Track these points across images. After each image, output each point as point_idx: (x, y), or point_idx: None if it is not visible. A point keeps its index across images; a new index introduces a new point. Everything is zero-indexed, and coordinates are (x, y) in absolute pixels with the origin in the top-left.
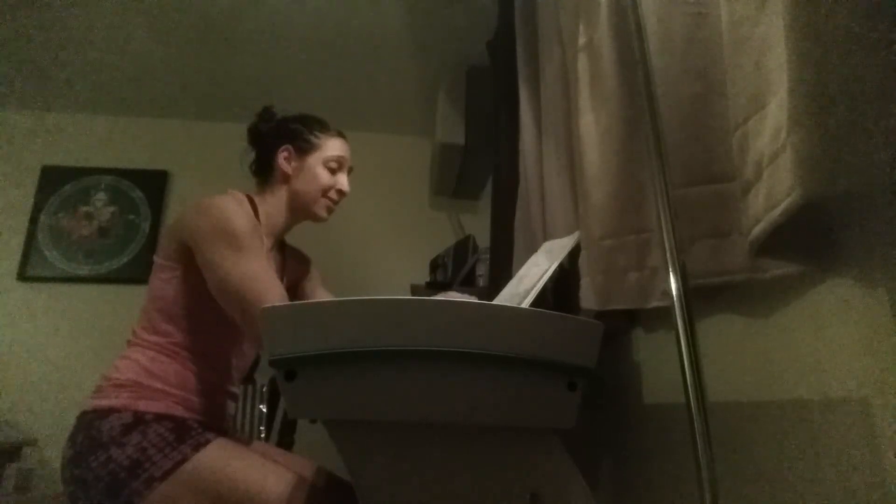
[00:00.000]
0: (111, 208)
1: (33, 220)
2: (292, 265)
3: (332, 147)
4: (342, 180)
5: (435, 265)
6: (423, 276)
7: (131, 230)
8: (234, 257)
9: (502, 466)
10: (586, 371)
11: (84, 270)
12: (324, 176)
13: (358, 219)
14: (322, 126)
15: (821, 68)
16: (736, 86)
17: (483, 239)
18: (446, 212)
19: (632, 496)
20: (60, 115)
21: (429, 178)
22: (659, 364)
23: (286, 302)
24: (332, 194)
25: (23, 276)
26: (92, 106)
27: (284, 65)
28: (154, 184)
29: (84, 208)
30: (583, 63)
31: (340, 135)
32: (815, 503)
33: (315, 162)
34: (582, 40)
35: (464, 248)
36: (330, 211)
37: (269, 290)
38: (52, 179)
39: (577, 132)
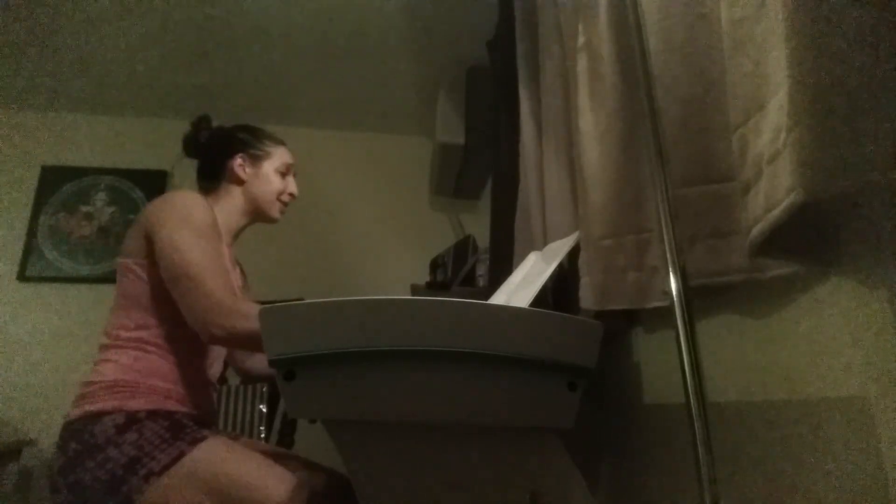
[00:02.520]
0: (111, 208)
1: (33, 220)
2: (240, 269)
3: (282, 155)
4: (292, 184)
5: (435, 265)
6: (423, 276)
7: None
8: (196, 242)
9: (502, 466)
10: (586, 371)
11: (84, 270)
12: (277, 181)
13: (358, 219)
14: (270, 136)
15: (821, 68)
16: (736, 86)
17: (483, 239)
18: (446, 212)
19: (632, 496)
20: (60, 115)
21: (429, 178)
22: (659, 364)
23: (236, 291)
24: (285, 197)
25: (23, 276)
26: (92, 106)
27: (284, 65)
28: (154, 184)
29: (84, 208)
30: (582, 63)
31: (284, 143)
32: (815, 503)
33: (269, 168)
34: (581, 40)
35: (464, 248)
36: (282, 213)
37: (225, 278)
38: (52, 179)
39: (577, 132)
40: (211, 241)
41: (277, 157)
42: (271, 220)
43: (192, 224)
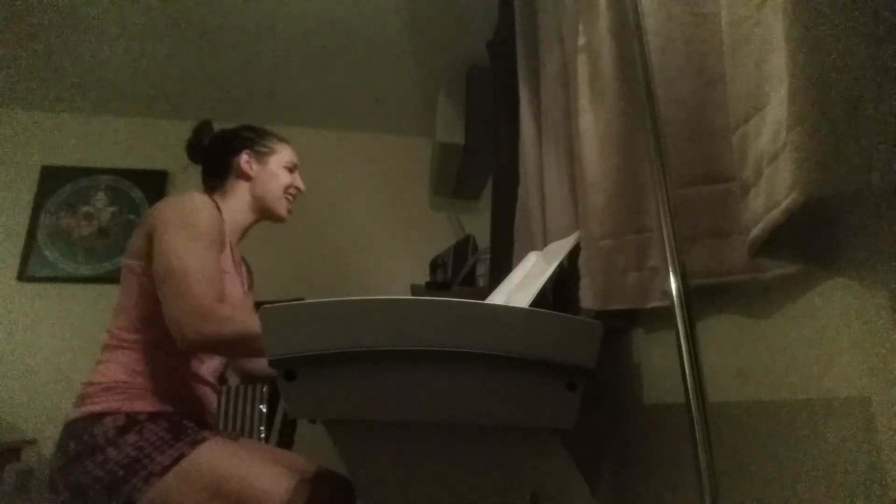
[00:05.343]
0: (111, 208)
1: (33, 220)
2: (246, 268)
3: (287, 152)
4: (298, 179)
5: (435, 265)
6: (423, 276)
7: (131, 230)
8: (192, 246)
9: (502, 466)
10: (586, 371)
11: (84, 270)
12: (284, 175)
13: (358, 219)
14: (274, 134)
15: (821, 68)
16: (736, 86)
17: (483, 239)
18: (446, 212)
19: (632, 496)
20: (60, 115)
21: (429, 178)
22: (659, 364)
23: (223, 298)
24: (292, 191)
25: (23, 276)
26: (92, 106)
27: (284, 65)
28: (154, 184)
29: (84, 208)
30: (582, 63)
31: (288, 141)
32: (815, 503)
33: (275, 164)
34: (582, 40)
35: (464, 248)
36: (289, 210)
37: (214, 284)
38: (52, 179)
39: (577, 132)
40: (208, 247)
41: (283, 154)
42: (279, 218)
43: (191, 227)
